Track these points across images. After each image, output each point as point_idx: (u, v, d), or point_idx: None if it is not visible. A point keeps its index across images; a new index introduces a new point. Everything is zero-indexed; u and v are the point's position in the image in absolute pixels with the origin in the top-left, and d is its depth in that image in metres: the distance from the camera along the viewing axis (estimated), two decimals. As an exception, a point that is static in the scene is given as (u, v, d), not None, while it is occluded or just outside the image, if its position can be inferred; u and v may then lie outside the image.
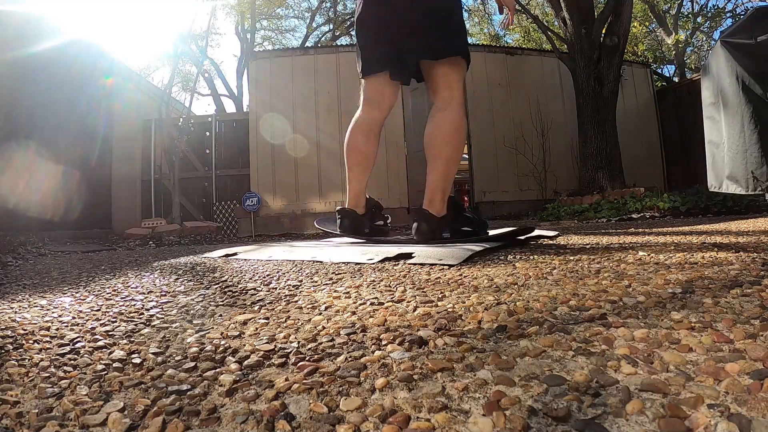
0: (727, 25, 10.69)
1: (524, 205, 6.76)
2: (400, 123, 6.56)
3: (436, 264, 1.22)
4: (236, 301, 0.94)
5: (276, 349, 0.62)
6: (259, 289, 1.06)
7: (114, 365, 0.59)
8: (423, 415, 0.41)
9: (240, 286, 1.11)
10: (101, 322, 0.81)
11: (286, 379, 0.51)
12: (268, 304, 0.90)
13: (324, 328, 0.70)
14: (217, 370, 0.56)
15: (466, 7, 13.21)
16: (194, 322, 0.80)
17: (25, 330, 0.75)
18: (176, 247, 3.69)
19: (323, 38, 14.54)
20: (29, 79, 4.99)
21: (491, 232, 1.80)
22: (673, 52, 11.98)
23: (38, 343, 0.68)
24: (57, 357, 0.62)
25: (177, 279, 1.31)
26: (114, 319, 0.82)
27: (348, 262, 1.39)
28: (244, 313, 0.83)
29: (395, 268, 1.22)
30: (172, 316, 0.85)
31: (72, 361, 0.61)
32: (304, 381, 0.50)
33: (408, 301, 0.82)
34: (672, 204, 4.11)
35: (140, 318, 0.83)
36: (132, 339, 0.71)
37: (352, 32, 14.30)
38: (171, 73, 8.46)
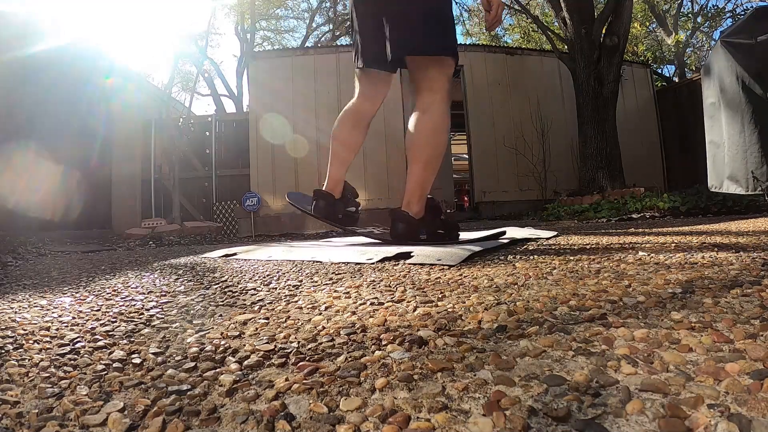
0: (727, 25, 10.69)
1: (524, 205, 6.75)
2: (401, 123, 6.56)
3: (435, 264, 1.22)
4: (236, 301, 0.94)
5: (276, 349, 0.61)
6: (259, 289, 1.06)
7: (114, 365, 0.59)
8: (423, 415, 0.41)
9: (240, 286, 1.11)
10: (101, 322, 0.81)
11: (286, 379, 0.51)
12: (268, 304, 0.90)
13: (324, 328, 0.70)
14: (217, 370, 0.56)
15: (466, 8, 13.23)
16: (194, 322, 0.80)
17: (25, 330, 0.75)
18: (176, 247, 3.69)
19: (323, 38, 14.54)
20: (29, 79, 4.99)
21: (467, 236, 1.81)
22: (673, 52, 11.97)
23: (38, 343, 0.68)
24: (57, 357, 0.62)
25: (177, 279, 1.31)
26: (114, 319, 0.82)
27: (348, 262, 1.39)
28: (244, 313, 0.83)
29: (395, 268, 1.22)
30: (172, 316, 0.85)
31: (72, 361, 0.61)
32: (304, 381, 0.50)
33: (408, 301, 0.82)
34: (672, 204, 4.11)
35: (140, 318, 0.83)
36: (132, 339, 0.71)
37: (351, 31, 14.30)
38: (171, 74, 8.47)
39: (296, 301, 0.90)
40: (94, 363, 0.60)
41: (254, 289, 1.07)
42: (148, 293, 1.08)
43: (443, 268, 1.15)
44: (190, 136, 7.22)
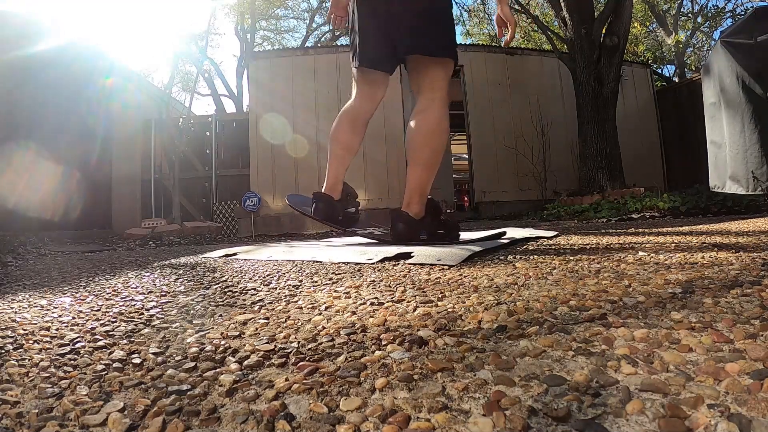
0: (727, 25, 10.69)
1: (524, 205, 6.75)
2: (401, 122, 6.56)
3: (435, 264, 1.22)
4: (236, 301, 0.94)
5: (276, 349, 0.62)
6: (259, 289, 1.06)
7: (114, 365, 0.59)
8: (423, 415, 0.41)
9: (240, 286, 1.11)
10: (101, 322, 0.81)
11: (286, 379, 0.51)
12: (268, 304, 0.90)
13: (324, 328, 0.70)
14: (217, 370, 0.56)
15: (465, 8, 13.22)
16: (194, 322, 0.80)
17: (25, 330, 0.75)
18: (176, 247, 3.69)
19: (323, 38, 14.54)
20: (29, 79, 4.99)
21: (468, 236, 1.82)
22: (673, 52, 11.97)
23: (38, 343, 0.68)
24: (57, 357, 0.62)
25: (177, 279, 1.31)
26: (114, 319, 0.82)
27: (348, 262, 1.39)
28: (244, 313, 0.83)
29: (395, 268, 1.22)
30: (172, 316, 0.85)
31: (72, 361, 0.61)
32: (304, 381, 0.50)
33: (408, 301, 0.82)
34: (672, 204, 4.11)
35: (140, 318, 0.83)
36: (132, 339, 0.71)
37: (352, 32, 14.28)
38: (171, 74, 8.47)
39: (296, 301, 0.90)
40: (94, 363, 0.60)
41: (254, 289, 1.07)
42: (148, 293, 1.08)
43: (443, 268, 1.15)
44: (190, 136, 7.22)
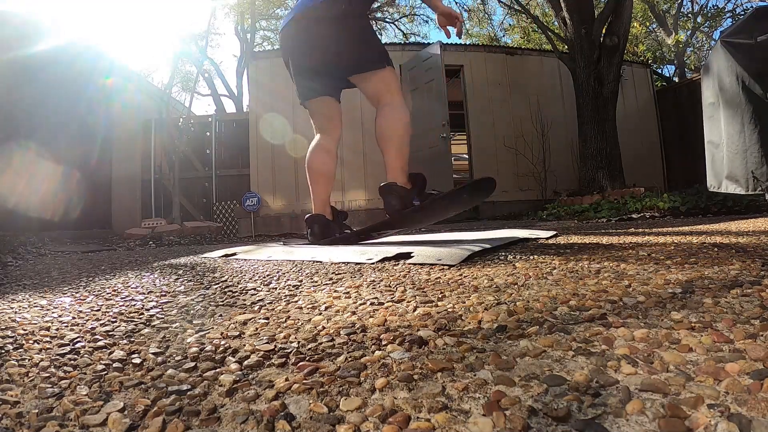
0: (727, 25, 10.69)
1: (524, 205, 6.76)
2: (400, 123, 6.55)
3: (435, 264, 1.22)
4: (236, 301, 0.94)
5: (276, 349, 0.62)
6: (259, 289, 1.06)
7: (114, 365, 0.59)
8: (423, 415, 0.41)
9: (240, 286, 1.11)
10: (101, 322, 0.81)
11: (286, 379, 0.51)
12: (268, 304, 0.90)
13: (324, 328, 0.70)
14: (217, 370, 0.56)
15: (465, 8, 13.22)
16: (194, 322, 0.80)
17: (25, 330, 0.75)
18: (176, 247, 3.69)
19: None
20: (29, 79, 4.99)
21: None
22: (673, 52, 11.97)
23: (38, 343, 0.68)
24: (57, 357, 0.62)
25: (177, 279, 1.31)
26: (114, 319, 0.82)
27: (348, 262, 1.39)
28: (244, 313, 0.83)
29: (395, 268, 1.22)
30: (172, 316, 0.85)
31: (72, 361, 0.61)
32: (304, 381, 0.50)
33: (408, 301, 0.82)
34: (672, 204, 4.11)
35: (140, 318, 0.83)
36: (132, 339, 0.71)
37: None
38: (171, 74, 8.47)
39: (296, 301, 0.90)
40: (94, 363, 0.60)
41: (254, 289, 1.07)
42: (148, 293, 1.08)
43: (443, 268, 1.15)
44: (190, 136, 7.22)
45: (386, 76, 1.92)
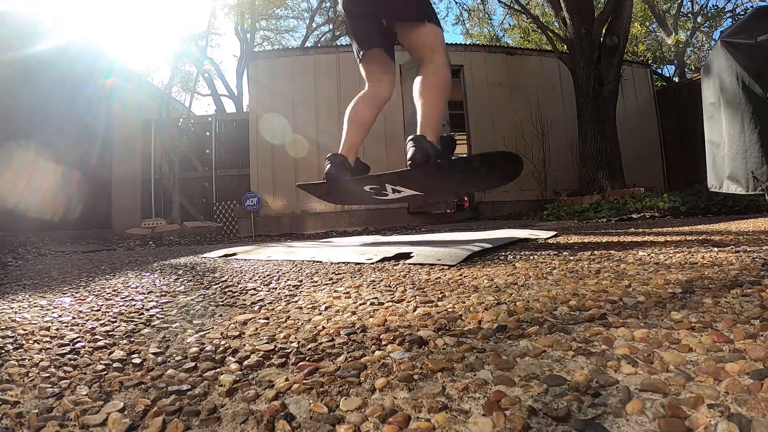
0: (727, 25, 10.69)
1: (524, 205, 6.76)
2: (400, 121, 6.56)
3: (434, 264, 1.22)
4: (236, 301, 0.94)
5: (276, 349, 0.62)
6: (259, 289, 1.06)
7: (114, 365, 0.59)
8: (423, 415, 0.41)
9: (240, 286, 1.11)
10: (101, 322, 0.81)
11: (286, 379, 0.51)
12: (268, 304, 0.90)
13: (324, 328, 0.70)
14: (217, 370, 0.56)
15: (465, 8, 13.22)
16: (194, 322, 0.80)
17: (25, 330, 0.75)
18: (176, 247, 3.69)
19: (323, 38, 14.53)
20: (29, 79, 4.99)
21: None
22: (673, 52, 11.97)
23: (38, 343, 0.68)
24: (57, 357, 0.62)
25: (177, 279, 1.31)
26: (114, 319, 0.82)
27: (348, 262, 1.39)
28: (244, 313, 0.83)
29: (395, 268, 1.22)
30: (172, 316, 0.85)
31: (72, 361, 0.61)
32: (304, 381, 0.50)
33: (408, 301, 0.82)
34: (672, 204, 4.11)
35: (140, 318, 0.83)
36: (132, 339, 0.71)
37: (351, 32, 14.29)
38: (171, 74, 8.47)
39: (296, 301, 0.90)
40: (94, 363, 0.60)
41: (254, 289, 1.07)
42: (148, 293, 1.08)
43: (443, 268, 1.15)
44: (190, 136, 7.22)
45: (431, 32, 1.86)
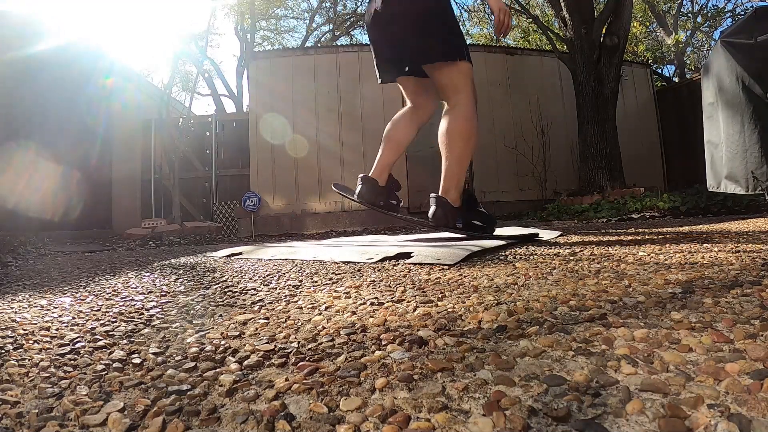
0: (727, 25, 10.69)
1: (524, 205, 6.76)
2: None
3: (433, 264, 1.22)
4: (236, 301, 0.94)
5: (276, 349, 0.61)
6: (259, 289, 1.06)
7: (114, 365, 0.59)
8: (423, 415, 0.41)
9: (240, 286, 1.11)
10: (101, 322, 0.81)
11: (286, 379, 0.51)
12: (268, 304, 0.90)
13: (324, 328, 0.70)
14: (217, 370, 0.56)
15: (465, 8, 13.22)
16: (194, 322, 0.80)
17: (25, 330, 0.75)
18: (176, 247, 3.69)
19: (323, 38, 14.53)
20: (29, 79, 4.99)
21: (498, 232, 1.83)
22: (673, 52, 11.97)
23: (38, 343, 0.68)
24: (57, 357, 0.62)
25: (177, 279, 1.31)
26: (114, 319, 0.82)
27: (348, 262, 1.39)
28: (244, 313, 0.83)
29: (395, 268, 1.22)
30: (172, 316, 0.85)
31: (72, 361, 0.61)
32: (304, 381, 0.50)
33: (408, 301, 0.82)
34: (672, 204, 4.11)
35: (140, 318, 0.83)
36: (132, 339, 0.71)
37: (351, 32, 14.32)
38: (171, 74, 8.47)
39: (296, 301, 0.90)
40: (94, 363, 0.60)
41: (254, 289, 1.07)
42: (148, 293, 1.08)
43: (443, 268, 1.15)
44: (190, 136, 7.22)
45: (457, 71, 1.77)
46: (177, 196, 6.35)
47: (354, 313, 0.77)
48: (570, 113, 6.77)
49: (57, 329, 0.76)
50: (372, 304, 0.82)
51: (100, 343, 0.68)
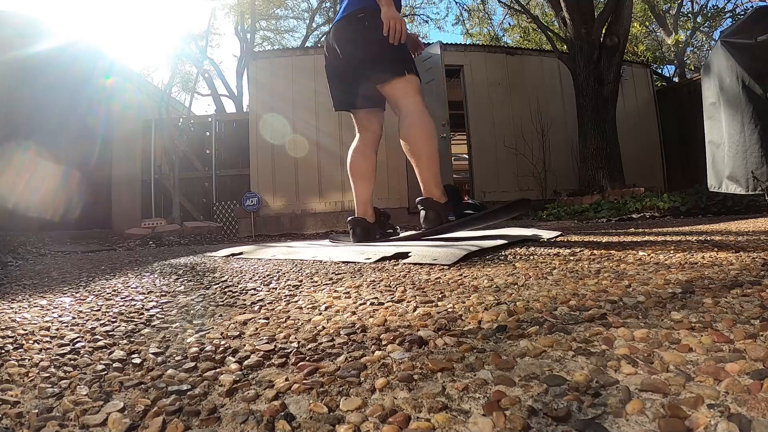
0: (727, 25, 10.69)
1: (524, 205, 6.75)
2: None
3: (431, 264, 1.22)
4: (236, 301, 0.94)
5: (276, 349, 0.61)
6: (259, 289, 1.06)
7: (114, 365, 0.59)
8: (423, 415, 0.41)
9: (240, 286, 1.11)
10: (101, 322, 0.81)
11: (286, 379, 0.51)
12: (268, 304, 0.90)
13: (324, 328, 0.70)
14: (217, 370, 0.56)
15: (465, 8, 13.22)
16: (194, 322, 0.80)
17: (25, 330, 0.75)
18: (176, 247, 3.69)
19: (323, 38, 14.49)
20: (29, 79, 4.99)
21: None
22: (673, 52, 11.97)
23: (38, 343, 0.68)
24: (57, 357, 0.62)
25: (177, 279, 1.31)
26: (114, 319, 0.82)
27: (348, 262, 1.39)
28: (244, 313, 0.83)
29: (395, 268, 1.22)
30: (172, 316, 0.85)
31: (72, 361, 0.61)
32: (304, 381, 0.50)
33: (408, 301, 0.82)
34: (672, 204, 4.11)
35: (140, 318, 0.83)
36: (132, 339, 0.71)
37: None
38: (171, 74, 8.47)
39: (296, 301, 0.90)
40: (94, 363, 0.60)
41: (254, 289, 1.07)
42: (148, 293, 1.08)
43: (443, 268, 1.15)
44: (190, 136, 7.23)
45: (397, 85, 1.90)
46: (177, 196, 6.35)
47: (354, 313, 0.77)
48: (570, 113, 6.77)
49: (57, 329, 0.76)
50: (372, 304, 0.82)
51: (100, 343, 0.68)
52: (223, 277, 1.29)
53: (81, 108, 6.00)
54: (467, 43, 10.18)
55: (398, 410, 0.42)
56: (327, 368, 0.53)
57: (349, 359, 0.56)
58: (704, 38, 12.67)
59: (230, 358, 0.59)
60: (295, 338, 0.66)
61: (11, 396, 0.50)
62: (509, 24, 12.93)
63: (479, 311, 0.71)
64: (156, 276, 1.41)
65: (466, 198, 1.98)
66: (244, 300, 0.95)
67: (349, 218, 2.16)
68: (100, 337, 0.71)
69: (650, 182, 6.42)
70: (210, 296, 1.01)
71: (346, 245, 1.94)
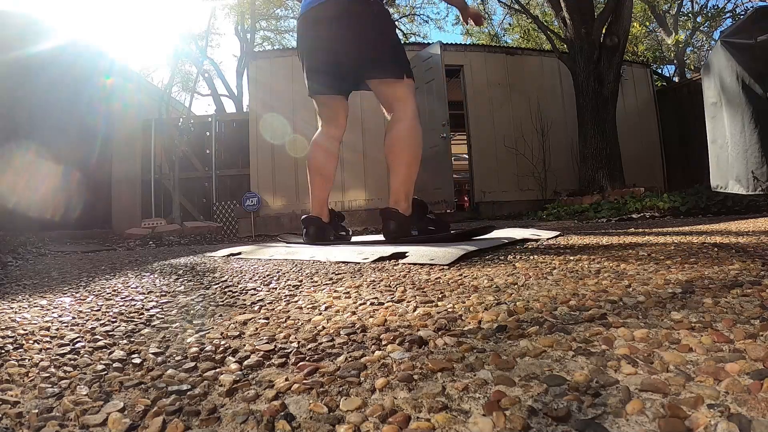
0: (727, 25, 10.69)
1: (524, 205, 6.75)
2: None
3: (430, 264, 1.22)
4: (236, 301, 0.94)
5: (276, 349, 0.61)
6: (259, 289, 1.06)
7: (114, 365, 0.59)
8: (423, 415, 0.41)
9: (240, 286, 1.11)
10: (101, 322, 0.81)
11: (286, 379, 0.51)
12: (268, 304, 0.90)
13: (324, 328, 0.70)
14: (217, 370, 0.56)
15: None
16: (194, 322, 0.80)
17: (25, 330, 0.75)
18: (176, 247, 3.69)
19: (323, 38, 14.51)
20: (29, 79, 4.99)
21: (496, 234, 1.84)
22: (673, 52, 11.97)
23: (38, 343, 0.68)
24: (57, 357, 0.62)
25: (177, 279, 1.31)
26: (114, 319, 0.82)
27: (347, 262, 1.40)
28: (244, 313, 0.83)
29: (395, 268, 1.22)
30: (172, 316, 0.85)
31: (72, 361, 0.61)
32: (304, 381, 0.50)
33: (408, 301, 0.82)
34: (672, 204, 4.11)
35: (140, 318, 0.83)
36: (132, 339, 0.71)
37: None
38: (171, 74, 8.47)
39: (296, 301, 0.90)
40: (94, 363, 0.60)
41: (254, 289, 1.07)
42: (148, 293, 1.08)
43: (443, 268, 1.15)
44: (190, 136, 7.23)
45: (406, 87, 1.85)
46: (177, 196, 6.35)
47: (354, 313, 0.77)
48: (570, 113, 6.77)
49: (57, 329, 0.76)
50: (372, 304, 0.82)
51: (100, 343, 0.68)
52: (223, 277, 1.29)
53: (81, 108, 6.00)
54: (467, 43, 10.18)
55: (398, 410, 0.42)
56: (327, 368, 0.53)
57: (349, 359, 0.56)
58: (704, 38, 12.68)
59: (230, 358, 0.59)
60: (295, 338, 0.66)
61: (11, 396, 0.50)
62: (509, 24, 12.93)
63: (479, 311, 0.71)
64: (156, 276, 1.41)
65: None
66: (244, 300, 0.95)
67: (303, 217, 2.10)
68: (100, 337, 0.71)
69: (650, 182, 6.42)
70: (210, 296, 1.01)
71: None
